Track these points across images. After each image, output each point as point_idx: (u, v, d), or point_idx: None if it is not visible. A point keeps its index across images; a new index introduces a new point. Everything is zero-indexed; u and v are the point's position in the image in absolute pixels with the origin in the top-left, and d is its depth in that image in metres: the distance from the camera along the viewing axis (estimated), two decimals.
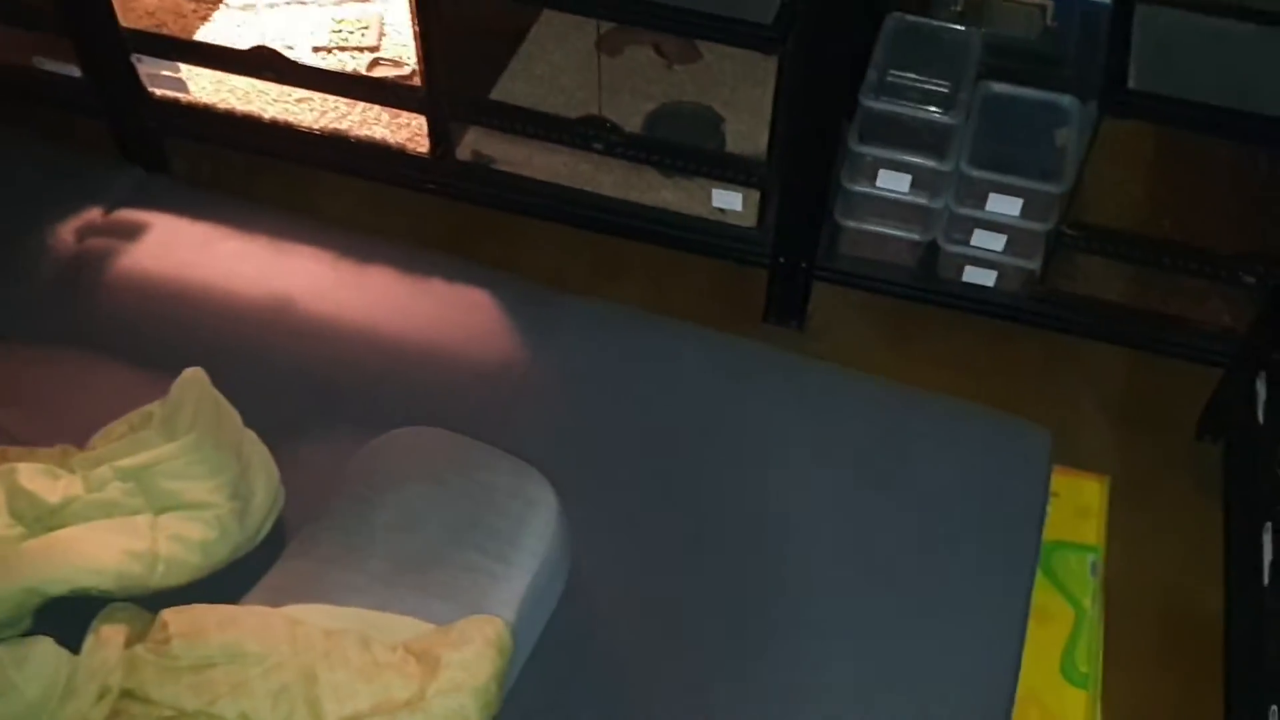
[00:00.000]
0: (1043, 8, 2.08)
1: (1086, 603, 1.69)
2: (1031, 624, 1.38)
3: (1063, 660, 1.64)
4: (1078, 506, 1.79)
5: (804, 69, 1.76)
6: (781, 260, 2.01)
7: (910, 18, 2.02)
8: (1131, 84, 1.66)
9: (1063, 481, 1.76)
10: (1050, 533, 1.54)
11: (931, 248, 1.98)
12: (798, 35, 1.72)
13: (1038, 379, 2.04)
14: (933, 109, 1.89)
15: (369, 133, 2.13)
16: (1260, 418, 1.69)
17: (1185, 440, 1.95)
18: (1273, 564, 1.54)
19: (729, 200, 2.01)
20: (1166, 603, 1.78)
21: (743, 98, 2.18)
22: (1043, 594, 1.64)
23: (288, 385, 1.52)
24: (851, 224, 1.99)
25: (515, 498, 1.32)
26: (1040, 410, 1.62)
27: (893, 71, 1.94)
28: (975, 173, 1.85)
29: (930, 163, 1.88)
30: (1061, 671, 1.63)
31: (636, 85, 2.20)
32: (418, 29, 1.91)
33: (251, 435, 1.41)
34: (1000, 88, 1.98)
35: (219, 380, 1.41)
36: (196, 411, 1.36)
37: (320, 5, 2.28)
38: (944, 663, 1.32)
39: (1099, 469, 1.87)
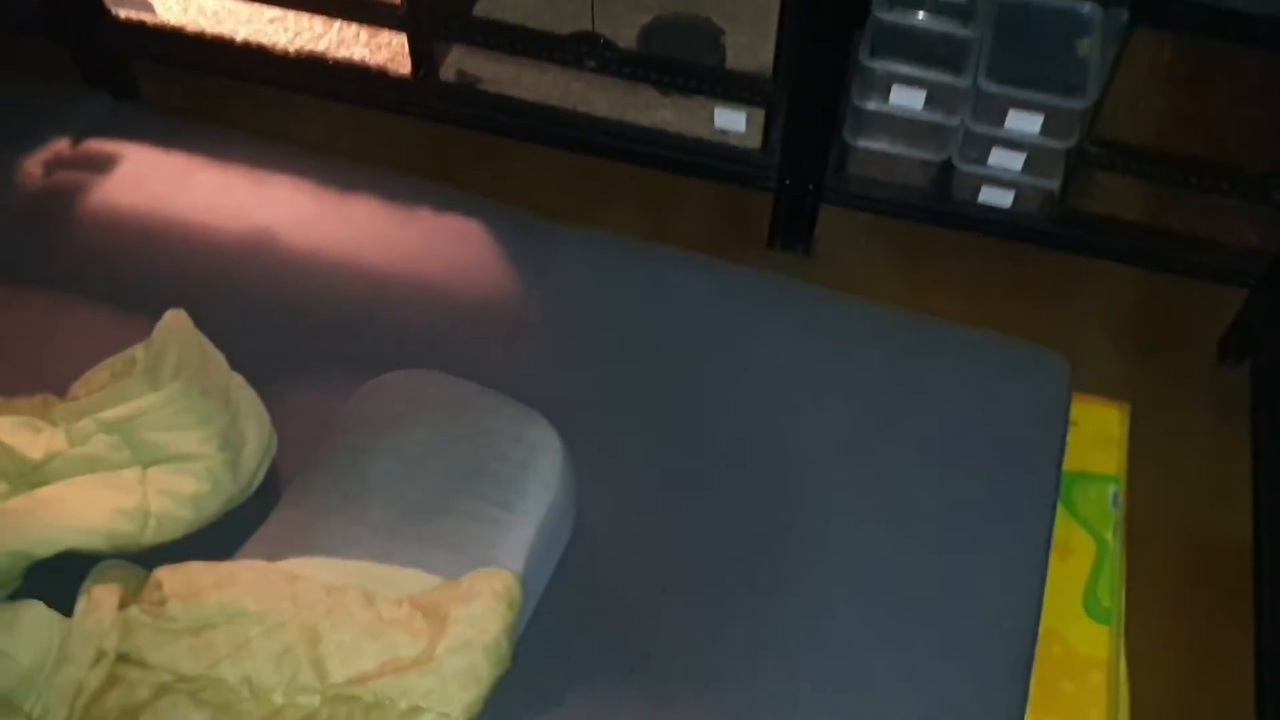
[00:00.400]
0: None
1: (1108, 535, 1.65)
2: (1052, 558, 1.35)
3: (1085, 595, 1.60)
4: (1098, 435, 1.75)
5: None
6: (788, 183, 1.95)
7: None
8: None
9: (1082, 409, 1.72)
10: (1069, 463, 1.50)
11: (946, 168, 1.91)
12: None
13: (1054, 303, 2.00)
14: (949, 20, 1.80)
15: (347, 54, 2.05)
16: None
17: (1206, 364, 1.92)
18: None
19: (732, 120, 1.94)
20: (1191, 534, 1.76)
21: (743, 7, 2.08)
22: (1063, 527, 1.59)
23: (272, 324, 1.47)
24: (862, 144, 1.92)
25: (519, 442, 1.27)
26: (1057, 335, 1.58)
27: None
28: (994, 88, 1.78)
29: (946, 78, 1.80)
30: (1084, 606, 1.60)
31: None
32: None
33: (239, 379, 1.36)
34: None
35: (199, 320, 1.35)
36: (181, 357, 1.30)
37: None
38: (964, 600, 1.29)
39: (1117, 395, 1.82)
